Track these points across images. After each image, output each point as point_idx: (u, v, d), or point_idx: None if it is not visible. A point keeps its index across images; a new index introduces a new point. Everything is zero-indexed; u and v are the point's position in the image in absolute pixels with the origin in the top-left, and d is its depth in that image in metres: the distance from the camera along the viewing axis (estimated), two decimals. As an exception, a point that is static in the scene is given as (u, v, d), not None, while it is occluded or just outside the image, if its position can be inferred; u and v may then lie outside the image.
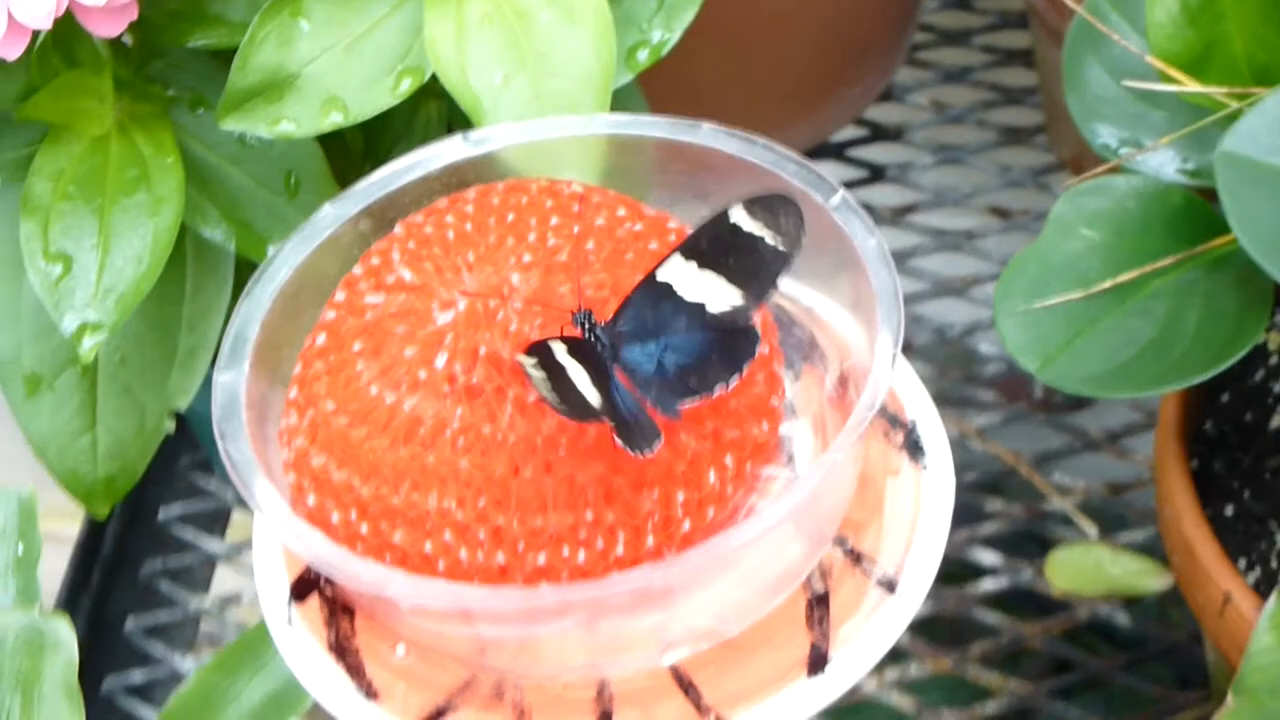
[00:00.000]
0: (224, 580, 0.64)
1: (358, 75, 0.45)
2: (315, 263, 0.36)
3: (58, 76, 0.47)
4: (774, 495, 0.33)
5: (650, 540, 0.31)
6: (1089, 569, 0.57)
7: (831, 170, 0.71)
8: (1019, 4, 0.75)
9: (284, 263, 0.35)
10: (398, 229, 0.35)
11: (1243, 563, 0.45)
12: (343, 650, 0.33)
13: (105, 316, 0.45)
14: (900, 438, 0.35)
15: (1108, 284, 0.43)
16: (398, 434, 0.32)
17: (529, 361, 0.30)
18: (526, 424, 0.31)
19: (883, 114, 0.73)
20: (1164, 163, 0.45)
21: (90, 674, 0.60)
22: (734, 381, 0.32)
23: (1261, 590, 0.44)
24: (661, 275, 0.33)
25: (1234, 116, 0.41)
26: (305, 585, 0.34)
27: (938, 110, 0.73)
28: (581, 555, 0.31)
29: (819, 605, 0.32)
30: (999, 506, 0.60)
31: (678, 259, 0.33)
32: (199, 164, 0.49)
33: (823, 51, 0.68)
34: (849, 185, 0.69)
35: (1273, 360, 0.48)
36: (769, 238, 0.33)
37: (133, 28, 0.45)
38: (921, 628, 0.57)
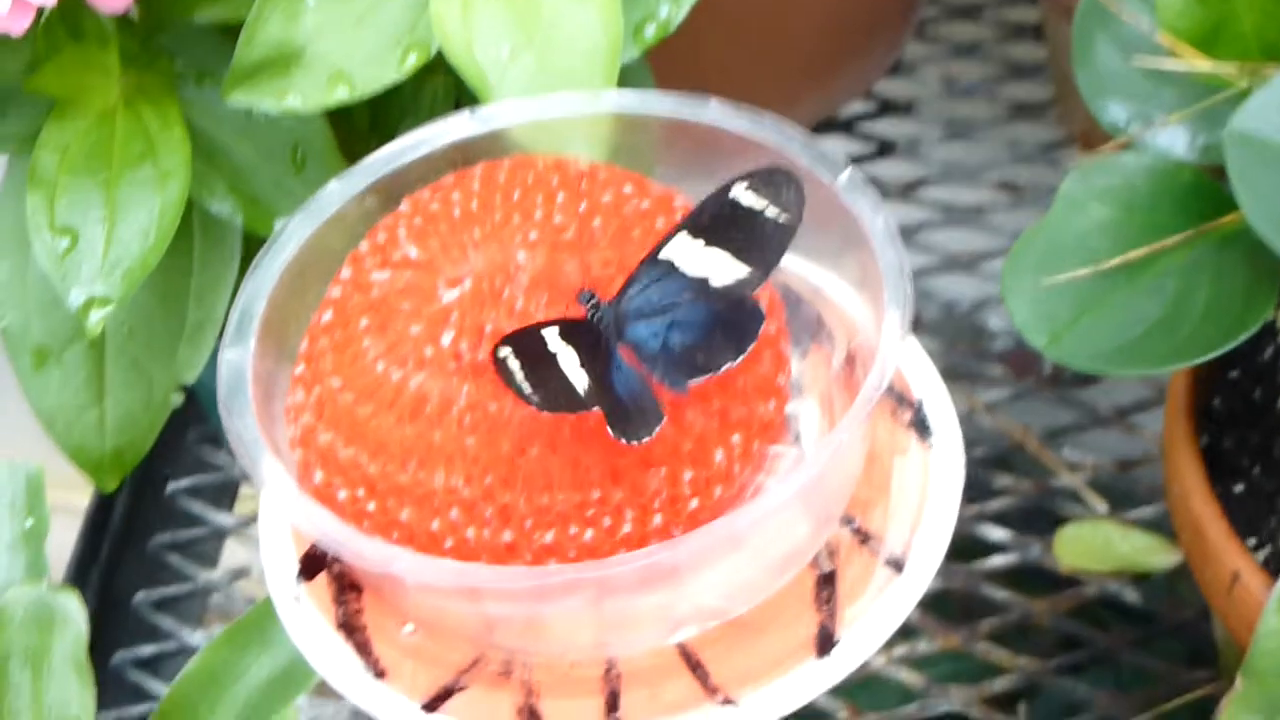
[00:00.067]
0: (233, 553, 0.64)
1: (364, 50, 0.45)
2: (321, 239, 0.35)
3: (63, 50, 0.47)
4: (781, 474, 0.33)
5: (658, 519, 0.31)
6: (1098, 545, 0.57)
7: (840, 145, 0.71)
8: (1029, -22, 0.75)
9: (290, 239, 0.35)
10: (404, 205, 0.35)
11: (1252, 541, 0.45)
12: (350, 628, 0.33)
13: (112, 290, 0.45)
14: (908, 416, 0.35)
15: (1116, 261, 0.43)
16: (404, 411, 0.32)
17: (506, 352, 0.30)
18: (533, 402, 0.31)
19: (892, 88, 0.73)
20: (1173, 140, 0.45)
21: (99, 648, 0.60)
22: (740, 358, 0.31)
23: (1271, 568, 0.44)
24: (665, 252, 0.32)
25: (1243, 94, 0.41)
26: (313, 563, 0.34)
27: (947, 84, 0.72)
28: (589, 533, 0.31)
29: (826, 584, 0.32)
30: (1008, 482, 0.59)
31: (682, 235, 0.32)
32: (205, 138, 0.49)
33: (831, 25, 0.68)
34: (858, 160, 0.69)
35: (1282, 337, 0.48)
36: (771, 211, 0.33)
37: (139, 1, 0.45)
38: (930, 604, 0.56)
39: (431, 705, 0.31)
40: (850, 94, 0.71)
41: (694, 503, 0.31)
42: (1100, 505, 0.58)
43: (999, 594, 0.57)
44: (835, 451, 0.31)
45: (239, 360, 0.33)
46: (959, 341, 0.65)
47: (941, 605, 0.57)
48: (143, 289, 0.47)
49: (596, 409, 0.31)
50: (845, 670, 0.31)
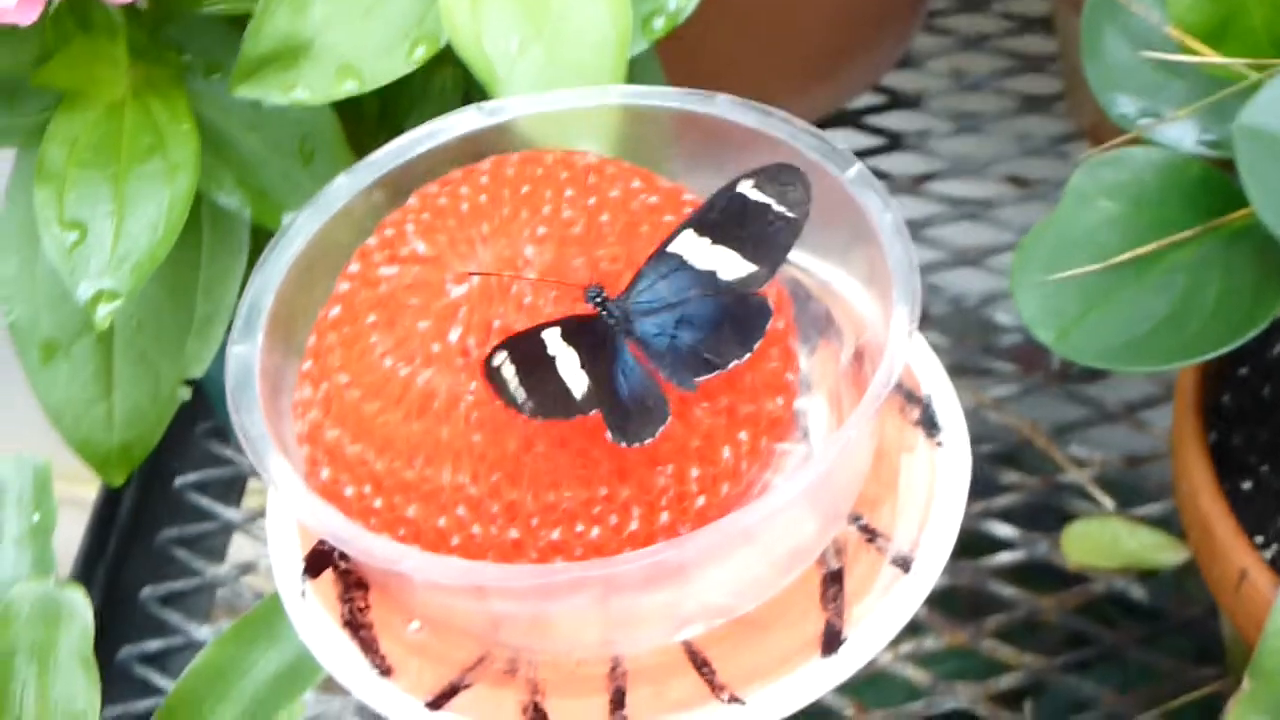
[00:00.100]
0: (240, 548, 0.64)
1: (372, 42, 0.44)
2: (329, 233, 0.35)
3: (72, 43, 0.47)
4: (789, 471, 0.32)
5: (664, 516, 0.31)
6: (1105, 542, 0.57)
7: (848, 138, 0.70)
8: (1039, -30, 0.75)
9: (298, 233, 0.35)
10: (412, 200, 0.35)
11: (1260, 538, 0.45)
12: (356, 625, 0.33)
13: (120, 284, 0.45)
14: (916, 414, 0.34)
15: (1125, 256, 0.43)
16: (411, 408, 0.32)
17: (501, 358, 0.30)
18: (540, 399, 0.31)
19: (901, 81, 0.72)
20: (1183, 134, 0.44)
21: (106, 643, 0.60)
22: (748, 354, 0.31)
23: (1278, 566, 0.44)
24: (673, 248, 0.32)
25: (1253, 88, 0.41)
26: (319, 559, 0.34)
27: (956, 77, 0.72)
28: (595, 531, 0.31)
29: (833, 582, 0.32)
30: (1015, 479, 0.59)
31: (689, 232, 0.32)
32: (214, 130, 0.48)
33: (840, 18, 0.68)
34: (866, 153, 0.69)
35: (1292, 334, 0.48)
36: (778, 208, 0.33)
37: (147, -7, 0.45)
38: (937, 601, 0.56)
39: (437, 703, 0.31)
40: (858, 87, 0.71)
41: (701, 500, 0.31)
42: (1108, 502, 0.58)
43: (1006, 591, 0.57)
44: (843, 449, 0.31)
45: (246, 355, 0.33)
46: (967, 336, 0.64)
47: (948, 602, 0.57)
48: (151, 282, 0.47)
49: (594, 412, 0.31)
50: (851, 669, 0.31)
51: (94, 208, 0.46)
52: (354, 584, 0.34)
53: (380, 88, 0.45)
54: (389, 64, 0.44)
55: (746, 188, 0.33)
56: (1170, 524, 0.56)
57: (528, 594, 0.31)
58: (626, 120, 0.37)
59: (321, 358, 0.33)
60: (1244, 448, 0.47)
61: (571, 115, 0.37)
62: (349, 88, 0.44)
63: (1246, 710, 0.32)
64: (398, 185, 0.36)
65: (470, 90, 0.50)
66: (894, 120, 0.72)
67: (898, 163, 0.70)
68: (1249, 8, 0.43)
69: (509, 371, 0.30)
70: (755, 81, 0.65)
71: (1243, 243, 0.43)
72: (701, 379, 0.31)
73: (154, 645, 0.61)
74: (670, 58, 0.50)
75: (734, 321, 0.32)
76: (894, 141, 0.70)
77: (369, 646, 0.32)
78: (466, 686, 0.32)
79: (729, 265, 0.32)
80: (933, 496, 0.33)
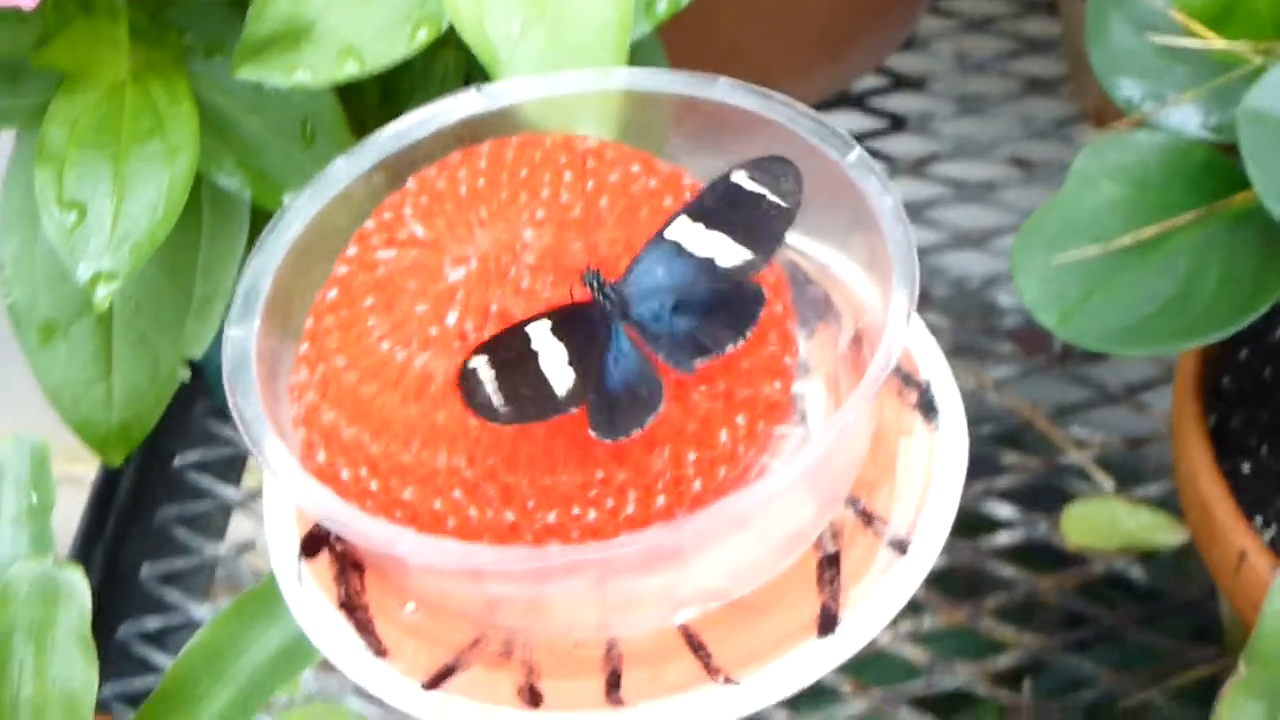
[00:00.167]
0: (240, 527, 0.64)
1: (374, 24, 0.44)
2: (328, 216, 0.35)
3: (73, 24, 0.47)
4: (786, 454, 0.32)
5: (661, 499, 0.31)
6: (1105, 523, 0.57)
7: (852, 120, 0.70)
8: (1043, -48, 0.75)
9: (296, 216, 0.35)
10: (410, 183, 0.35)
11: (1259, 520, 0.45)
12: (352, 607, 0.33)
13: (119, 265, 0.45)
14: (914, 397, 0.34)
15: (1128, 239, 0.43)
16: (408, 391, 0.32)
17: (478, 362, 0.30)
18: (537, 382, 0.31)
19: (904, 63, 0.72)
20: (1187, 118, 0.44)
21: (105, 621, 0.60)
22: (742, 340, 0.31)
23: (1277, 548, 0.44)
24: (669, 235, 0.32)
25: (1257, 72, 0.41)
26: (315, 541, 0.34)
27: (960, 60, 0.72)
28: (592, 514, 0.31)
29: (830, 566, 0.32)
30: (1015, 459, 0.59)
31: (685, 219, 0.32)
32: (214, 112, 0.48)
33: (844, 0, 0.68)
34: (870, 135, 0.69)
35: (1293, 317, 0.48)
36: (771, 197, 0.33)
37: (148, -26, 0.45)
38: (936, 580, 0.56)
39: (432, 684, 0.31)
40: (862, 69, 0.71)
41: (698, 484, 0.31)
42: (1108, 483, 0.58)
43: (1005, 571, 0.57)
44: (840, 432, 0.31)
45: (243, 338, 0.33)
46: (968, 318, 0.64)
47: (947, 582, 0.57)
48: (150, 264, 0.47)
49: (575, 410, 0.31)
50: (847, 652, 0.31)
51: (94, 189, 0.46)
52: (350, 566, 0.34)
53: (382, 70, 0.44)
54: (390, 46, 0.44)
55: (740, 178, 0.33)
56: (1170, 505, 0.56)
57: (523, 576, 0.31)
58: (628, 103, 0.37)
59: (319, 340, 0.33)
60: (1244, 430, 0.47)
61: (572, 98, 0.37)
62: (350, 70, 0.44)
63: (1242, 695, 0.32)
64: (397, 168, 0.36)
65: (472, 73, 0.50)
66: (898, 102, 0.71)
67: (901, 144, 0.70)
68: (1253, -8, 0.43)
69: (486, 375, 0.30)
70: (759, 63, 0.65)
71: (1245, 226, 0.43)
72: (698, 363, 0.31)
73: (153, 623, 0.61)
74: (673, 40, 0.50)
75: (729, 308, 0.32)
76: (898, 123, 0.70)
77: (365, 628, 0.33)
78: (462, 668, 0.32)
79: (725, 252, 0.32)
80: (930, 480, 0.33)
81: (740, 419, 0.31)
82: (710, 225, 0.32)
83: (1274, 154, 0.40)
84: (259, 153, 0.48)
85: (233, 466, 0.65)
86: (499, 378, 0.30)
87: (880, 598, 0.32)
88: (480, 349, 0.30)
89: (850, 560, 0.32)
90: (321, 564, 0.34)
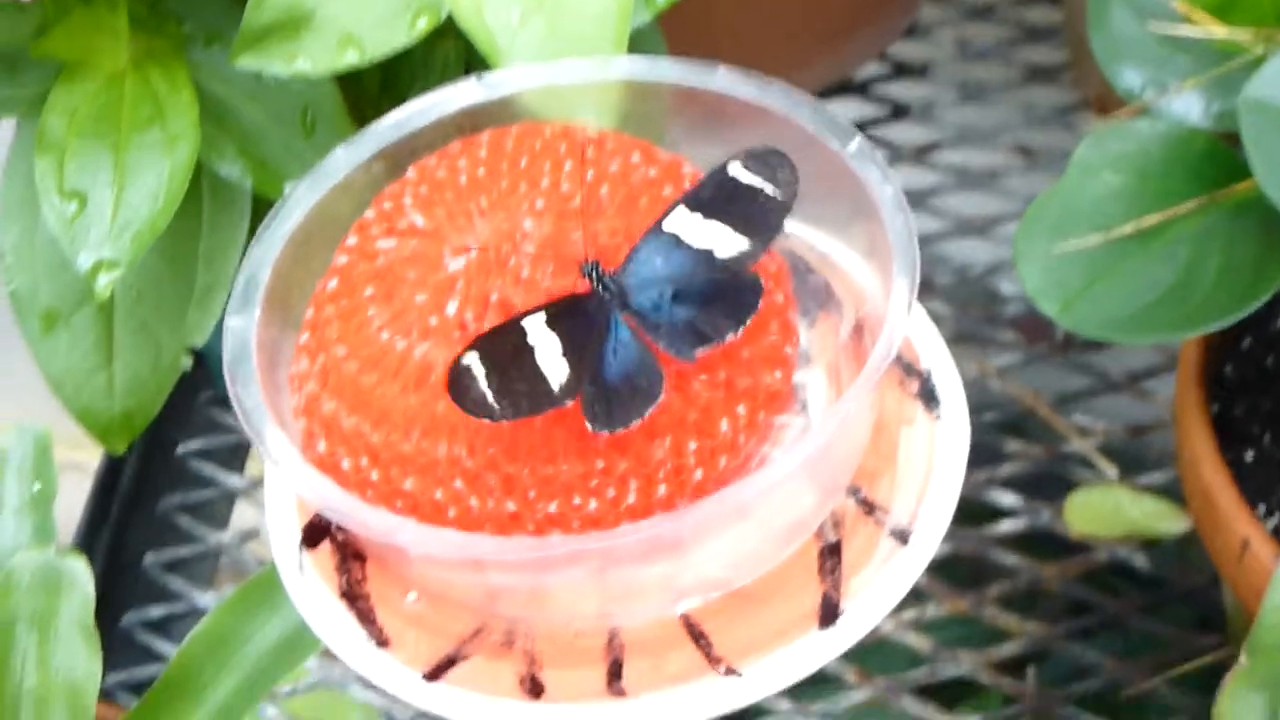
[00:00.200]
0: (243, 515, 0.64)
1: (374, 13, 0.44)
2: (328, 206, 0.35)
3: (72, 13, 0.47)
4: (787, 444, 0.32)
5: (662, 489, 0.31)
6: (1108, 511, 0.57)
7: (855, 107, 0.70)
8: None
9: (296, 206, 0.35)
10: (410, 173, 0.35)
11: (1262, 508, 0.45)
12: (354, 597, 0.33)
13: (120, 254, 0.45)
14: (915, 387, 0.34)
15: (1129, 228, 0.43)
16: (408, 380, 0.32)
17: (471, 358, 0.30)
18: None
19: (907, 51, 0.72)
20: (1188, 106, 0.44)
21: (109, 609, 0.60)
22: (743, 328, 0.31)
23: (1280, 537, 0.44)
24: (667, 225, 0.32)
25: (1258, 61, 0.41)
26: (317, 531, 0.34)
27: (962, 47, 0.72)
28: (593, 504, 0.31)
29: (831, 555, 0.32)
30: (1018, 447, 0.59)
31: (682, 209, 0.32)
32: (215, 101, 0.48)
33: (847, -14, 0.67)
34: (872, 122, 0.69)
35: (1295, 305, 0.48)
36: (768, 188, 0.33)
37: (148, -36, 0.45)
38: (939, 569, 0.56)
39: (434, 674, 0.31)
40: (864, 56, 0.71)
41: (699, 473, 0.31)
42: (1111, 471, 0.58)
43: (1008, 559, 0.57)
44: (841, 422, 0.31)
45: (243, 328, 0.33)
46: (971, 306, 0.64)
47: (951, 570, 0.57)
48: (151, 252, 0.47)
49: (570, 403, 0.31)
50: (849, 641, 0.31)
51: (94, 178, 0.46)
52: (351, 555, 0.34)
53: (382, 59, 0.44)
54: (390, 35, 0.44)
55: (736, 169, 0.33)
56: (1173, 493, 0.56)
57: (525, 566, 0.31)
58: (628, 92, 0.37)
59: (319, 330, 0.33)
60: (1246, 418, 0.47)
61: (572, 88, 0.37)
62: (350, 59, 0.44)
63: (1243, 686, 0.32)
64: (397, 157, 0.36)
65: (472, 62, 0.49)
66: (900, 90, 0.71)
67: (903, 132, 0.70)
68: (1255, -20, 0.43)
69: (479, 371, 0.30)
70: (761, 51, 0.65)
71: (1246, 215, 0.43)
72: (699, 352, 0.31)
73: (157, 612, 0.61)
74: (674, 29, 0.50)
75: (728, 298, 0.32)
76: (900, 111, 0.70)
77: (366, 618, 0.33)
78: (464, 658, 0.32)
79: (723, 242, 0.32)
80: (931, 469, 0.33)
81: (741, 408, 0.32)
82: (708, 216, 0.32)
83: (1275, 142, 0.40)
84: (259, 141, 0.48)
85: (236, 454, 0.65)
86: (492, 373, 0.30)
87: (881, 587, 0.32)
88: (471, 346, 0.30)
89: (851, 550, 0.32)
90: (323, 554, 0.34)
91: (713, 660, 0.31)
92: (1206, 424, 0.45)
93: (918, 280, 0.32)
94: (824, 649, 0.31)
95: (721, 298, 0.32)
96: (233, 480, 0.64)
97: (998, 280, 0.64)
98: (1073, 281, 0.43)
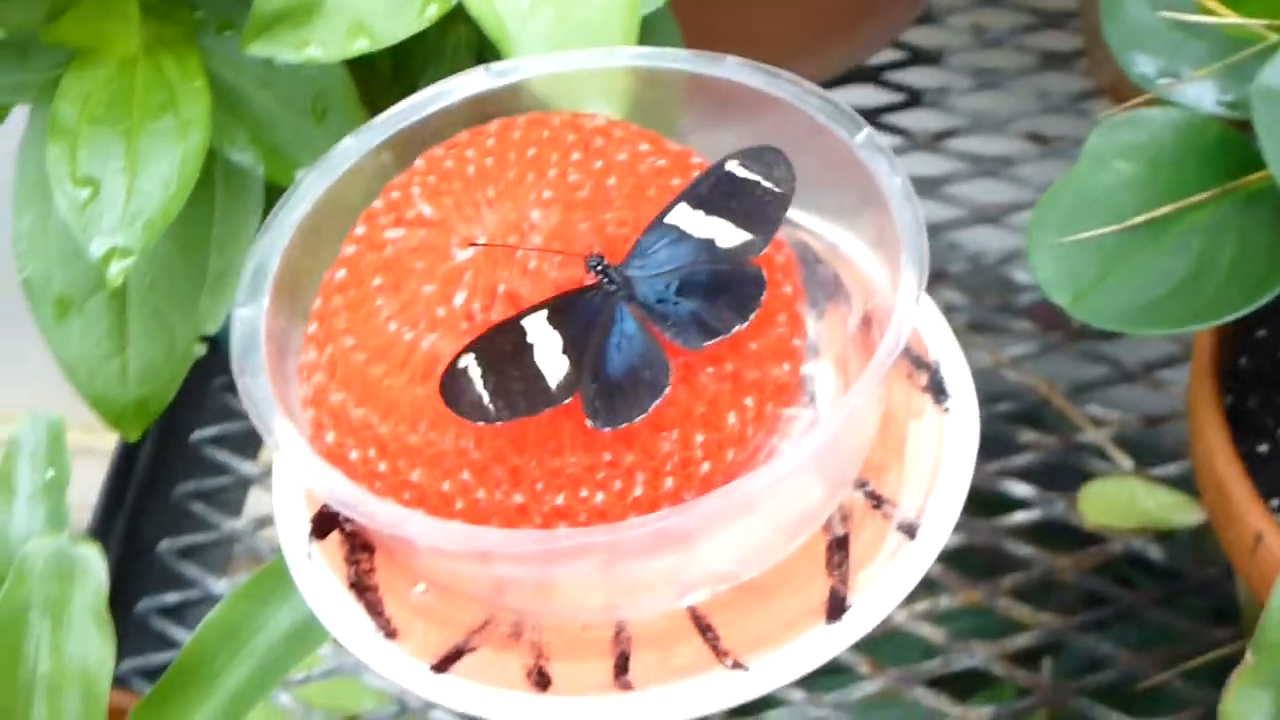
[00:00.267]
0: (258, 502, 0.65)
1: (384, 0, 0.44)
2: (337, 195, 0.35)
3: None
4: (795, 437, 0.32)
5: (669, 482, 0.31)
6: (1122, 502, 0.57)
7: (868, 94, 0.70)
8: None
9: (304, 196, 0.35)
10: (418, 162, 0.35)
11: (1276, 501, 0.45)
12: (362, 588, 0.33)
13: (133, 241, 0.45)
14: (924, 379, 0.34)
15: (1142, 218, 0.43)
16: (416, 372, 0.31)
17: (467, 361, 0.30)
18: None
19: (921, 37, 0.72)
20: (1202, 94, 0.44)
21: (124, 596, 0.61)
22: (746, 321, 0.31)
23: (1293, 530, 0.44)
24: (669, 219, 0.32)
25: (1272, 49, 0.41)
26: (325, 521, 0.34)
27: (977, 33, 0.72)
28: (600, 496, 0.31)
29: (839, 549, 0.32)
30: (1032, 438, 0.59)
31: (683, 205, 0.32)
32: (227, 87, 0.48)
33: (860, -27, 0.67)
34: (885, 109, 0.68)
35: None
36: (765, 183, 0.33)
37: (159, -50, 0.45)
38: (952, 559, 0.56)
39: (441, 666, 0.31)
40: (878, 43, 0.71)
41: (706, 466, 0.31)
42: (1125, 461, 0.58)
43: (1022, 550, 0.56)
44: (849, 415, 0.31)
45: (252, 318, 0.33)
46: (985, 295, 0.64)
47: (964, 561, 0.56)
48: (164, 239, 0.47)
49: (567, 401, 0.31)
50: (855, 635, 0.31)
51: (106, 164, 0.46)
52: (360, 546, 0.34)
53: (393, 45, 0.44)
54: (401, 22, 0.44)
55: (734, 167, 0.33)
56: (1188, 484, 0.56)
57: (532, 559, 0.31)
58: (639, 81, 0.37)
59: (327, 321, 0.33)
60: (1260, 410, 0.47)
61: (580, 76, 0.37)
62: (360, 46, 0.44)
63: (1249, 683, 0.32)
64: (406, 147, 0.36)
65: (484, 48, 0.49)
66: (914, 76, 0.71)
67: (917, 119, 0.69)
68: (1269, -33, 0.43)
69: (475, 373, 0.30)
70: (774, 38, 0.65)
71: (1259, 205, 0.42)
72: (706, 345, 0.31)
73: (172, 598, 0.61)
74: (687, 16, 0.49)
75: (731, 290, 0.32)
76: (913, 98, 0.70)
77: (374, 609, 0.33)
78: (471, 650, 0.32)
79: (725, 234, 0.32)
80: (940, 462, 0.33)
81: (749, 401, 0.31)
82: (709, 212, 0.32)
83: (1290, 132, 0.40)
84: (271, 128, 0.48)
85: (250, 441, 0.65)
86: (488, 374, 0.30)
87: (889, 581, 0.31)
88: (467, 349, 0.30)
89: (859, 543, 0.32)
90: (331, 544, 0.34)
91: (720, 653, 0.31)
92: (1220, 416, 0.45)
93: (926, 272, 0.32)
94: (831, 643, 0.31)
95: (725, 291, 0.32)
96: (247, 467, 0.64)
97: (1012, 269, 0.64)
98: (1085, 272, 0.43)
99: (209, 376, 0.66)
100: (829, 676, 0.54)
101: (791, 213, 0.34)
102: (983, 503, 0.58)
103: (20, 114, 0.50)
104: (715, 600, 0.32)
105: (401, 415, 0.31)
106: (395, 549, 0.33)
